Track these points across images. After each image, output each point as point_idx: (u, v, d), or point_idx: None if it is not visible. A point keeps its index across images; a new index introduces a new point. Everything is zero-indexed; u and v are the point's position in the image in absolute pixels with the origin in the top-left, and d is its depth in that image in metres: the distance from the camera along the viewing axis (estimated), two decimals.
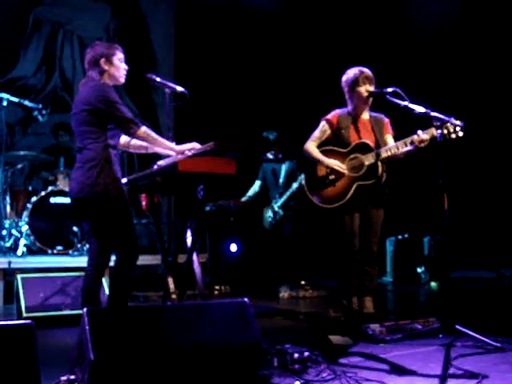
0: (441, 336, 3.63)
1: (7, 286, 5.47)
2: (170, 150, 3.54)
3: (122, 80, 3.61)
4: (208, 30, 8.61)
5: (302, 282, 6.44)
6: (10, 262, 5.51)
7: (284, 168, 6.68)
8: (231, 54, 8.61)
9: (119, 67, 3.57)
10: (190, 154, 3.42)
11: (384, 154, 4.22)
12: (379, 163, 4.24)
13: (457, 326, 3.43)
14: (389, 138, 4.43)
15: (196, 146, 3.49)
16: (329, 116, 4.49)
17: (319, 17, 8.54)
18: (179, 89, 3.83)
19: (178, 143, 3.59)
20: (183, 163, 3.27)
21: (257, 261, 6.80)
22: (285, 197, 6.49)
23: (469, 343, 3.39)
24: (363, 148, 4.30)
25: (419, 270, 7.49)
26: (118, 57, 3.57)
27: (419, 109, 3.80)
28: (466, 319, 3.55)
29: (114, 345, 2.38)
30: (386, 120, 4.52)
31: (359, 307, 4.32)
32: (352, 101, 4.42)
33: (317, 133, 4.47)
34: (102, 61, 3.50)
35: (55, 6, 8.36)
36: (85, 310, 2.43)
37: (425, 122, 3.88)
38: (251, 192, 6.84)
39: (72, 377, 2.54)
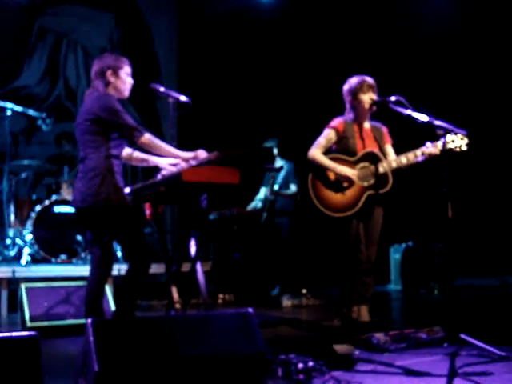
0: (445, 345, 3.62)
1: (11, 295, 5.47)
2: (175, 157, 3.55)
3: (127, 94, 3.63)
4: (211, 39, 8.64)
5: (304, 291, 6.44)
6: (14, 271, 5.52)
7: (281, 173, 6.72)
8: (234, 63, 8.63)
9: (125, 81, 3.59)
10: (194, 163, 3.43)
11: (394, 164, 4.21)
12: (390, 173, 4.23)
13: (461, 335, 3.42)
14: (389, 148, 4.45)
15: (202, 153, 3.49)
16: (334, 124, 4.45)
17: (320, 26, 8.56)
18: (182, 98, 3.85)
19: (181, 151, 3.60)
20: (187, 173, 3.27)
21: (259, 269, 6.79)
22: (266, 205, 6.60)
23: (474, 352, 3.38)
24: (372, 157, 4.28)
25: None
26: (125, 70, 3.59)
27: (422, 117, 3.80)
28: (470, 328, 3.54)
29: (119, 356, 2.38)
30: (385, 129, 4.53)
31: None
32: (354, 109, 4.41)
33: (322, 140, 4.42)
34: (109, 72, 3.53)
35: (59, 16, 8.40)
36: (89, 320, 2.43)
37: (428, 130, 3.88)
38: (258, 200, 6.87)
39: None
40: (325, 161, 4.34)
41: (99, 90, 3.52)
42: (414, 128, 3.90)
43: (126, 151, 3.71)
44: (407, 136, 4.30)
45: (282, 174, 6.72)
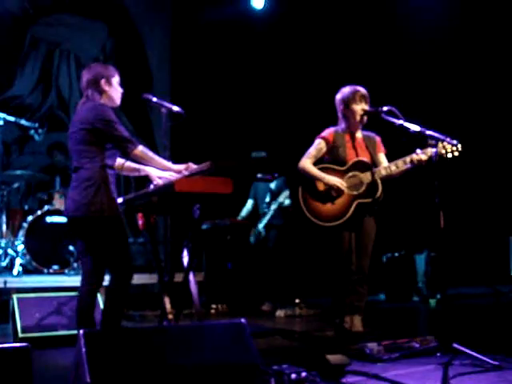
0: (439, 355, 3.62)
1: (3, 305, 5.43)
2: (167, 170, 3.56)
3: (118, 102, 3.66)
4: (203, 49, 8.66)
5: (297, 301, 6.43)
6: (5, 282, 5.48)
7: (272, 187, 6.72)
8: (227, 73, 8.65)
9: (117, 89, 3.63)
10: (186, 173, 3.43)
11: (383, 172, 4.24)
12: (379, 181, 4.25)
13: (454, 345, 3.43)
14: (382, 157, 4.47)
15: (191, 166, 3.51)
16: (324, 134, 4.47)
17: (312, 36, 8.60)
18: (175, 108, 3.85)
19: (174, 163, 3.61)
20: (180, 183, 3.28)
21: (250, 279, 6.78)
22: (267, 217, 6.57)
23: (467, 362, 3.38)
24: (361, 166, 4.30)
25: (420, 285, 7.49)
26: (116, 79, 3.63)
27: (414, 127, 3.83)
28: (463, 337, 3.55)
29: (111, 367, 2.37)
30: (378, 138, 4.55)
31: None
32: (346, 119, 4.43)
33: (312, 150, 4.45)
34: (103, 81, 3.54)
35: (52, 26, 8.40)
36: (81, 331, 2.42)
37: (420, 140, 3.90)
38: (244, 212, 6.89)
39: None
40: (314, 171, 4.37)
41: (94, 100, 3.52)
42: (406, 138, 3.93)
43: (118, 161, 3.71)
44: (400, 146, 4.32)
45: (273, 187, 6.72)
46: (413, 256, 7.64)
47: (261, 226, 6.64)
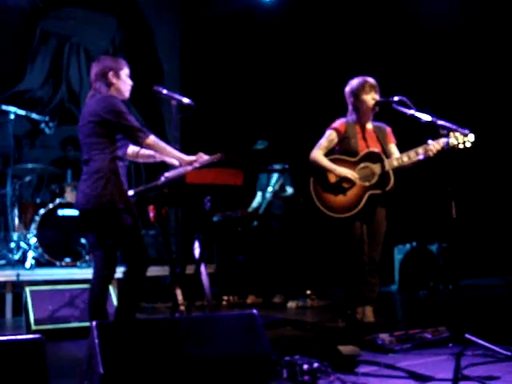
0: (451, 345, 3.61)
1: (16, 298, 5.48)
2: (179, 160, 3.56)
3: (127, 95, 3.65)
4: (213, 41, 8.65)
5: (308, 292, 6.43)
6: (18, 275, 5.53)
7: (275, 177, 6.71)
8: (237, 64, 8.64)
9: (126, 82, 3.62)
10: (197, 165, 3.43)
11: (395, 163, 4.23)
12: (391, 172, 4.24)
13: (466, 335, 3.41)
14: (393, 147, 4.45)
15: (203, 155, 3.51)
16: (336, 125, 4.47)
17: (321, 27, 8.55)
18: (185, 100, 3.85)
19: (185, 154, 3.60)
20: (191, 175, 3.28)
21: (262, 269, 6.77)
22: (263, 205, 6.58)
23: (479, 352, 3.37)
24: (373, 157, 4.30)
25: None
26: (125, 72, 3.62)
27: (426, 117, 3.80)
28: (475, 328, 3.53)
29: (124, 358, 2.39)
30: (388, 129, 4.54)
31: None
32: (357, 110, 4.41)
33: (324, 142, 4.44)
34: (111, 74, 3.54)
35: (61, 19, 8.42)
36: (94, 323, 2.43)
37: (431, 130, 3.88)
38: (255, 203, 6.89)
39: None
40: (325, 162, 4.37)
41: (102, 92, 3.53)
42: (417, 128, 3.91)
43: (132, 149, 3.72)
44: (411, 136, 4.30)
45: (277, 177, 6.72)
46: (428, 247, 7.59)
47: (256, 201, 6.69)
